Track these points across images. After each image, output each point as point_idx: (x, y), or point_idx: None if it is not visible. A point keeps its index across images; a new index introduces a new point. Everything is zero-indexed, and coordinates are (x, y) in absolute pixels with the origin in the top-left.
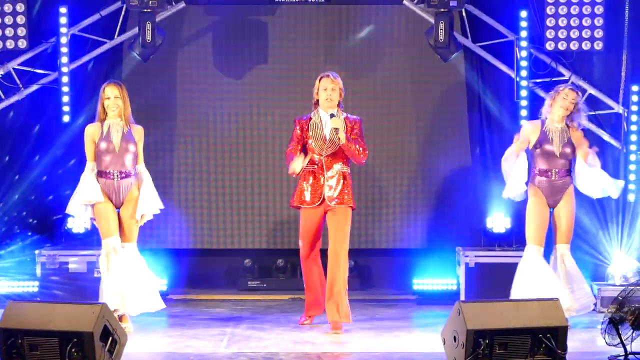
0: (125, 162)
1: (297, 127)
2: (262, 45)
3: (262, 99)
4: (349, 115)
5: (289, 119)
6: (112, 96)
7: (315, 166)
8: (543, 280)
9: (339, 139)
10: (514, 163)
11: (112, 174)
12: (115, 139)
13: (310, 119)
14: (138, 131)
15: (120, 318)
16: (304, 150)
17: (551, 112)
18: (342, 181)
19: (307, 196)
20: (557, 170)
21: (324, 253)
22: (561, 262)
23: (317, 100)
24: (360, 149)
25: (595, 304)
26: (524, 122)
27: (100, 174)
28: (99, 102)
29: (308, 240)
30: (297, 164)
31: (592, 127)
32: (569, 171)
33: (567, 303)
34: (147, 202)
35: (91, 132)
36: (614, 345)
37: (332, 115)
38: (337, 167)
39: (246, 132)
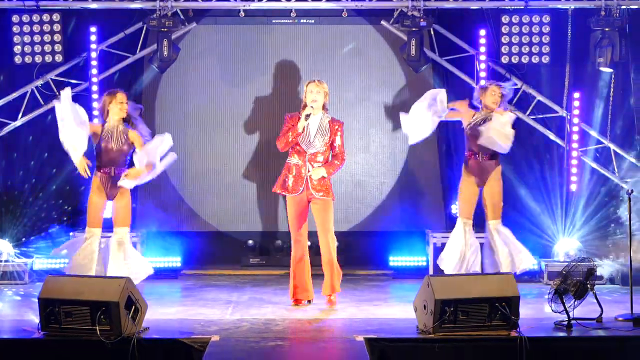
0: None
1: (288, 122)
2: (262, 58)
3: (262, 103)
4: (333, 118)
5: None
6: (124, 101)
7: (300, 161)
8: (459, 248)
9: (324, 177)
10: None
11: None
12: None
13: (299, 117)
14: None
15: None
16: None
17: (482, 104)
18: (323, 176)
19: (290, 184)
20: (483, 152)
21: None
22: (494, 235)
23: (306, 103)
24: (339, 163)
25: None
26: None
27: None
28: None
29: (297, 223)
30: (300, 124)
31: (540, 128)
32: (496, 154)
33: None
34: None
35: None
36: (558, 312)
37: (307, 116)
38: (318, 164)
39: (248, 133)
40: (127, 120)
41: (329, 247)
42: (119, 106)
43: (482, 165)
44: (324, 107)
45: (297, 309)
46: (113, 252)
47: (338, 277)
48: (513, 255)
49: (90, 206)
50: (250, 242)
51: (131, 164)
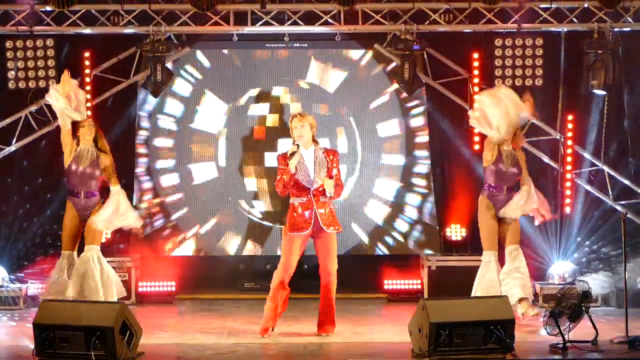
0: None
1: (281, 164)
2: (256, 80)
3: (255, 127)
4: (325, 148)
5: (278, 144)
6: (86, 124)
7: (305, 199)
8: (496, 282)
9: (330, 195)
10: None
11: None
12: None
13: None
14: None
15: None
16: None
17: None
18: (330, 209)
19: (300, 224)
20: (507, 187)
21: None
22: (513, 260)
23: (294, 139)
24: (339, 187)
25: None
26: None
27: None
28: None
29: (290, 264)
30: (291, 164)
31: (534, 151)
32: (515, 187)
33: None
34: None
35: None
36: (554, 335)
37: (291, 155)
38: (324, 198)
39: (241, 157)
40: (96, 142)
41: (333, 276)
42: (81, 130)
43: (508, 198)
44: (313, 140)
45: (290, 334)
46: (85, 271)
47: (333, 312)
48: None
49: (64, 230)
50: (242, 266)
51: (101, 191)
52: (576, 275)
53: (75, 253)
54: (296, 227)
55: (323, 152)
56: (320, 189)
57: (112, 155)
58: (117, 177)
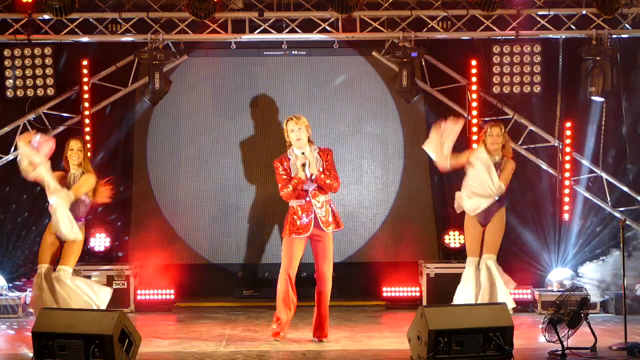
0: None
1: (280, 167)
2: (253, 90)
3: (253, 135)
4: (320, 147)
5: (276, 152)
6: (75, 148)
7: (303, 201)
8: (469, 286)
9: (312, 174)
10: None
11: None
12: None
13: (289, 159)
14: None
15: None
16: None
17: (486, 148)
18: (330, 208)
19: (300, 227)
20: None
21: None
22: (482, 271)
23: (290, 142)
24: (333, 180)
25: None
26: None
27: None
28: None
29: (292, 266)
30: (300, 175)
31: (532, 158)
32: (501, 197)
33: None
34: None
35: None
36: (553, 342)
37: (303, 165)
38: (322, 197)
39: (240, 165)
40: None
41: (329, 282)
42: (69, 153)
43: (487, 209)
44: (309, 141)
45: (289, 341)
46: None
47: (327, 317)
48: (492, 298)
49: (42, 243)
50: (240, 274)
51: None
52: (574, 280)
53: (46, 266)
54: (297, 230)
55: (318, 153)
56: (317, 189)
57: (110, 162)
58: (81, 191)
